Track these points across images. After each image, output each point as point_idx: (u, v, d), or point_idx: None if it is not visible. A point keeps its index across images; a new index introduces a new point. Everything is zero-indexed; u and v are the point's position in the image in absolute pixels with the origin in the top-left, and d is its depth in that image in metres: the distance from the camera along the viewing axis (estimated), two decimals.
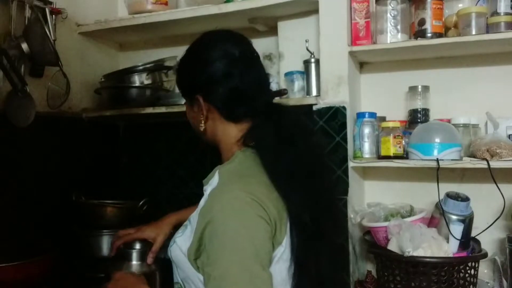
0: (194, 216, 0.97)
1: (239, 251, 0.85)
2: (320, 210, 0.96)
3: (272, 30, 1.86)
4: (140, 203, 1.78)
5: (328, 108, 1.58)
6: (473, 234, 1.47)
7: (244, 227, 0.87)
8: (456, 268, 1.38)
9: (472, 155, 1.49)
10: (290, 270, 0.94)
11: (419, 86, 1.65)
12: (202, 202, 0.99)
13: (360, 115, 1.62)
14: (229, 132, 1.04)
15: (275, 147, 0.96)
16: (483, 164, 1.41)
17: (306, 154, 0.98)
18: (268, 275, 0.87)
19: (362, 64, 1.81)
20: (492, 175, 1.40)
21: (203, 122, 1.05)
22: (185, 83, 1.11)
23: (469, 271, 1.40)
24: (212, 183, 0.99)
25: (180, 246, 0.97)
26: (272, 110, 1.03)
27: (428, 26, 1.53)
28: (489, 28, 1.48)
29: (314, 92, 1.68)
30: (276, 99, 1.66)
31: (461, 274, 1.39)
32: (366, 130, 1.60)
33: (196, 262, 0.92)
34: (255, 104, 1.03)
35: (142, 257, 1.30)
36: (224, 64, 1.02)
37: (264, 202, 0.89)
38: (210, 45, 1.06)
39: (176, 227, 1.28)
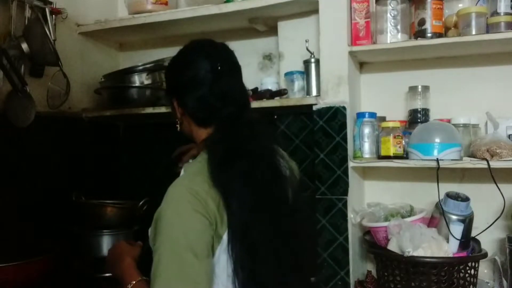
0: None
1: (172, 240, 0.95)
2: (268, 219, 1.00)
3: (272, 30, 1.86)
4: (140, 203, 1.78)
5: (328, 108, 1.58)
6: (473, 234, 1.47)
7: (179, 219, 0.96)
8: (456, 268, 1.38)
9: (472, 155, 1.49)
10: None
11: (419, 86, 1.65)
12: None
13: (360, 115, 1.62)
14: (200, 134, 1.14)
15: (222, 156, 1.02)
16: (483, 164, 1.41)
17: (258, 166, 1.02)
18: (202, 265, 0.94)
19: (362, 64, 1.81)
20: (492, 175, 1.40)
21: (178, 122, 1.17)
22: (166, 85, 1.24)
23: (469, 271, 1.40)
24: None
25: (149, 232, 1.05)
26: (234, 121, 1.09)
27: (428, 26, 1.53)
28: (489, 28, 1.48)
29: (314, 92, 1.68)
30: (276, 99, 1.68)
31: (461, 274, 1.39)
32: (366, 130, 1.60)
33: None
34: (219, 114, 1.10)
35: None
36: (196, 74, 1.11)
37: (203, 198, 0.97)
38: (188, 55, 1.15)
39: None
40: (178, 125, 1.17)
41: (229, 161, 1.00)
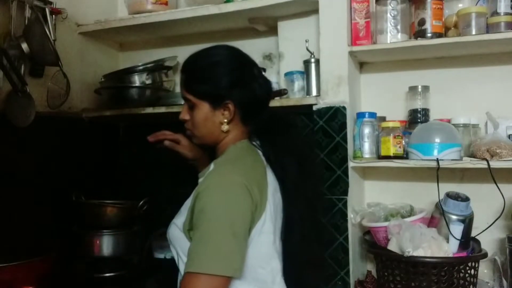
0: (188, 200, 1.13)
1: (216, 220, 1.01)
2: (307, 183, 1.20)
3: (272, 30, 1.86)
4: (140, 203, 1.78)
5: (328, 108, 1.58)
6: (473, 234, 1.47)
7: (224, 200, 1.03)
8: (456, 268, 1.38)
9: (472, 155, 1.49)
10: (275, 245, 1.11)
11: (419, 86, 1.65)
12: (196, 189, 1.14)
13: (360, 115, 1.62)
14: (236, 133, 1.19)
15: (273, 137, 1.19)
16: (483, 164, 1.41)
17: (305, 160, 1.20)
18: (239, 244, 1.01)
19: (362, 64, 1.81)
20: (492, 175, 1.40)
21: (226, 125, 1.16)
22: (217, 89, 1.17)
23: (469, 271, 1.40)
24: (206, 173, 1.13)
25: (177, 223, 1.12)
26: (270, 116, 1.21)
27: (428, 26, 1.53)
28: (489, 28, 1.48)
29: (314, 92, 1.68)
30: (276, 99, 1.68)
31: (461, 274, 1.39)
32: (366, 130, 1.60)
33: (189, 233, 1.06)
34: (263, 112, 1.20)
35: None
36: (254, 76, 1.19)
37: (247, 179, 1.05)
38: (242, 59, 1.21)
39: None
40: (225, 126, 1.17)
41: (282, 153, 1.16)
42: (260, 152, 1.18)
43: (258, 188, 1.06)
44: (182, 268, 1.08)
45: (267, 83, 1.22)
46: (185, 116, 1.21)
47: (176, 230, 1.12)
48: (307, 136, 1.44)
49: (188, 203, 1.12)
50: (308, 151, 1.32)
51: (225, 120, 1.16)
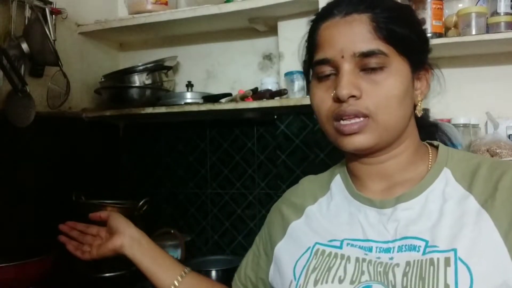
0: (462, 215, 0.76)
1: None
2: None
3: (272, 30, 1.86)
4: (140, 203, 1.78)
5: None
6: None
7: None
8: None
9: None
10: None
11: None
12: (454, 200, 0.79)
13: None
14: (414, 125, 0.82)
15: None
16: None
17: None
18: None
19: None
20: None
21: (421, 103, 0.82)
22: (424, 38, 0.83)
23: None
24: (435, 182, 0.82)
25: (482, 252, 0.71)
26: None
27: (428, 26, 1.53)
28: (489, 28, 1.48)
29: None
30: (276, 99, 1.68)
31: None
32: None
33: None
34: None
35: None
36: None
37: None
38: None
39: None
40: (421, 104, 0.84)
41: None
42: None
43: None
44: None
45: None
46: (353, 89, 0.73)
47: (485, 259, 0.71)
48: None
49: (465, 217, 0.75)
50: None
51: (420, 98, 0.80)
